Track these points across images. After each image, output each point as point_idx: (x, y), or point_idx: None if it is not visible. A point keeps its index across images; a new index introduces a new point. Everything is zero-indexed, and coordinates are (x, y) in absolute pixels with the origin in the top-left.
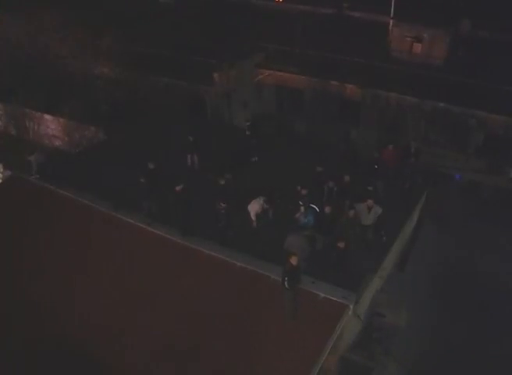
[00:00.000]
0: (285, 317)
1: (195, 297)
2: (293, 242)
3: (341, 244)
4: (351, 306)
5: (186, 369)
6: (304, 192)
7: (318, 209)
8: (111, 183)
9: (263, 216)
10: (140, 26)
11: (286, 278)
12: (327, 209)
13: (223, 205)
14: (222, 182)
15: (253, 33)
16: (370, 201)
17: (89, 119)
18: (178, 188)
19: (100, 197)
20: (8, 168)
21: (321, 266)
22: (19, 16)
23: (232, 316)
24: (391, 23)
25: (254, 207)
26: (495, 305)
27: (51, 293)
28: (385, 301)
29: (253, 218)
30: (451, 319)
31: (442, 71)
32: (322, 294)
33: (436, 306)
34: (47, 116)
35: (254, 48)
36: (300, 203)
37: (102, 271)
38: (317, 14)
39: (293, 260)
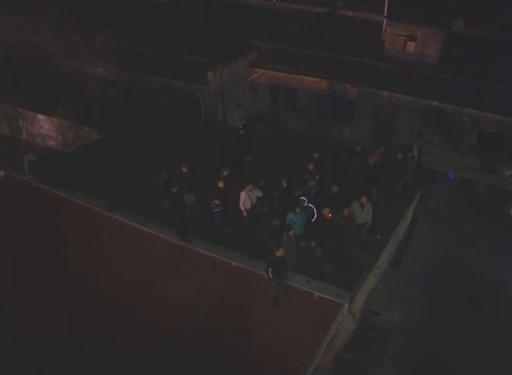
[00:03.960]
0: (267, 303)
1: (190, 296)
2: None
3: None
4: (346, 305)
5: (183, 367)
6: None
7: (315, 210)
8: (105, 183)
9: (255, 208)
10: (133, 26)
11: (270, 268)
12: (326, 211)
13: (217, 202)
14: (221, 185)
15: (247, 31)
16: (363, 198)
17: (83, 119)
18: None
19: (94, 197)
20: (1, 168)
21: (316, 265)
22: (13, 16)
23: (227, 315)
24: (384, 22)
25: (241, 197)
26: (490, 302)
27: (44, 293)
28: (380, 300)
29: (241, 208)
30: (446, 317)
31: (435, 70)
32: (317, 293)
33: (431, 304)
34: (40, 116)
35: (248, 46)
36: (303, 198)
37: (97, 271)
38: (310, 13)
39: (279, 252)
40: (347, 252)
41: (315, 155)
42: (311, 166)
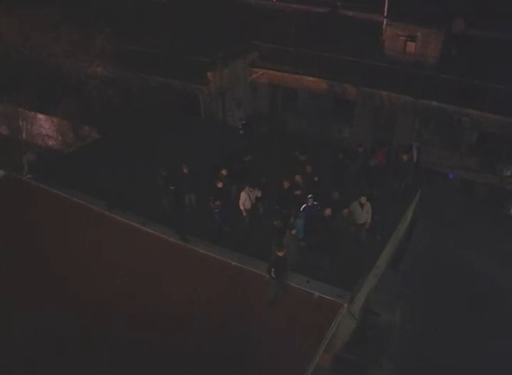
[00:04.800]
0: (267, 303)
1: (190, 296)
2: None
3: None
4: (346, 305)
5: (182, 366)
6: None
7: (319, 207)
8: (105, 183)
9: (255, 208)
10: (133, 25)
11: (272, 269)
12: (328, 211)
13: (217, 203)
14: (220, 185)
15: (247, 31)
16: (363, 198)
17: (83, 119)
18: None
19: (94, 196)
20: (1, 167)
21: (316, 265)
22: (12, 15)
23: (227, 315)
24: (384, 22)
25: (241, 197)
26: (489, 303)
27: (44, 293)
28: (379, 300)
29: (241, 207)
30: (446, 317)
31: (435, 70)
32: (317, 293)
33: (430, 304)
34: (40, 116)
35: (248, 46)
36: (311, 196)
37: (97, 271)
38: (311, 13)
39: (280, 252)
40: (347, 250)
41: (301, 156)
42: (308, 169)
